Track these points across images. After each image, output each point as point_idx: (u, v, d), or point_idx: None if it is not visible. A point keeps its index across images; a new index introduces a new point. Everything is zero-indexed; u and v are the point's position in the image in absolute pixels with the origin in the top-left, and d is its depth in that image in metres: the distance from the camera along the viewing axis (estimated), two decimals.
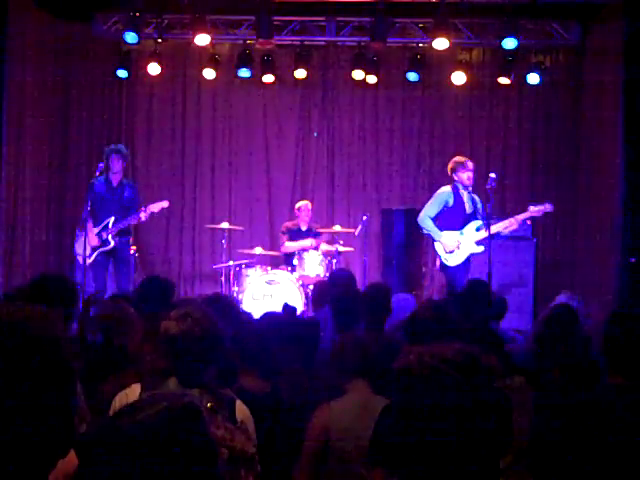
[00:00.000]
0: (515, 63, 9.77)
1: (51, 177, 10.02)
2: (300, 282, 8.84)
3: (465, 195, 7.81)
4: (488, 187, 7.65)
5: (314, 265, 9.08)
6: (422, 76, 10.14)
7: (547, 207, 7.69)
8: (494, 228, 7.59)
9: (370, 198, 10.85)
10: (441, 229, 7.78)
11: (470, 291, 5.78)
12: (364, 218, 9.49)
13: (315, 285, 6.80)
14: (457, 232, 7.76)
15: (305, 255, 9.10)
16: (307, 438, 3.41)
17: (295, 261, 9.11)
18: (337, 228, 9.51)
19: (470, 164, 7.84)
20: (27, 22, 9.28)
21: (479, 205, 7.84)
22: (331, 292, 5.68)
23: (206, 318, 3.06)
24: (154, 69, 9.93)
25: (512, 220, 7.75)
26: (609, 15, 9.25)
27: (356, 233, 9.47)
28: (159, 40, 9.93)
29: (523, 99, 10.61)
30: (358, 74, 10.09)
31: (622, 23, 8.81)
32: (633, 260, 8.60)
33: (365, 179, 10.93)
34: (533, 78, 9.83)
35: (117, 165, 8.26)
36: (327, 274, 8.78)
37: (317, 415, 3.45)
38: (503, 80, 9.92)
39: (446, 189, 7.85)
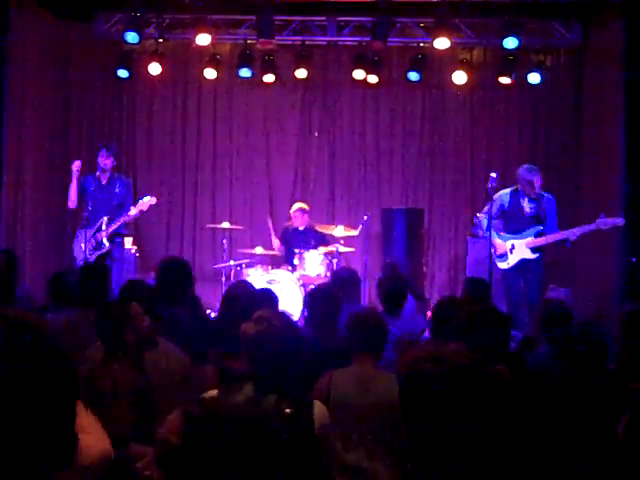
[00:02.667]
0: (516, 62, 9.76)
1: (51, 177, 10.00)
2: (301, 282, 8.84)
3: (526, 200, 7.75)
4: (489, 186, 7.65)
5: (315, 265, 9.07)
6: (423, 76, 10.12)
7: (618, 221, 7.41)
8: (555, 236, 7.57)
9: (371, 198, 10.85)
10: (504, 231, 7.79)
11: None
12: (365, 218, 9.50)
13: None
14: (513, 236, 7.75)
15: (306, 255, 9.10)
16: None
17: (296, 261, 9.11)
18: (339, 229, 9.45)
19: (536, 172, 7.79)
20: (28, 22, 9.27)
21: (542, 210, 7.75)
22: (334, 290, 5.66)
23: (285, 324, 3.03)
24: (155, 69, 9.93)
25: (577, 229, 7.55)
26: (610, 14, 9.24)
27: (357, 233, 9.47)
28: (160, 40, 9.94)
29: (524, 98, 10.61)
30: (359, 74, 10.09)
31: (623, 22, 8.81)
32: (634, 260, 8.61)
33: (366, 179, 10.93)
34: (534, 77, 9.82)
35: (105, 162, 8.13)
36: (328, 274, 8.79)
37: (319, 382, 3.59)
38: (504, 80, 9.91)
39: (503, 191, 7.86)
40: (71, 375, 1.58)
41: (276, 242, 9.70)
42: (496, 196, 7.79)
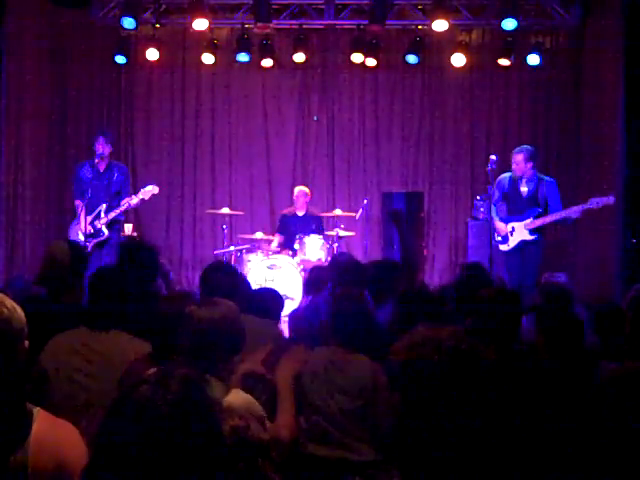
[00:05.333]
0: (515, 44, 9.71)
1: (50, 165, 9.99)
2: (301, 266, 8.84)
3: (523, 182, 7.78)
4: (489, 169, 7.65)
5: (315, 249, 9.08)
6: (422, 58, 10.09)
7: (610, 199, 7.40)
8: (552, 217, 7.56)
9: (371, 181, 10.83)
10: (506, 214, 7.81)
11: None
12: (365, 202, 9.49)
13: (312, 269, 6.54)
14: (513, 218, 7.76)
15: (306, 239, 9.10)
16: (282, 377, 3.43)
17: (296, 245, 9.11)
18: (338, 212, 9.50)
19: (514, 154, 7.84)
20: (25, 8, 9.22)
21: (542, 193, 7.74)
22: (332, 276, 5.64)
23: (231, 310, 2.99)
24: (153, 55, 9.89)
25: (573, 209, 7.52)
26: None
27: (357, 217, 9.47)
28: (157, 25, 9.88)
29: (523, 80, 10.56)
30: (357, 57, 10.03)
31: (622, 2, 8.75)
32: (634, 241, 8.61)
33: (365, 162, 10.91)
34: (533, 59, 9.78)
35: (104, 149, 8.04)
36: (328, 258, 8.79)
37: (293, 352, 3.57)
38: (503, 61, 9.87)
39: (504, 175, 7.90)
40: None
41: (275, 241, 9.62)
42: (497, 180, 7.84)
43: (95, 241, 7.97)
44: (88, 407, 3.22)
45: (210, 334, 2.89)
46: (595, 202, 7.43)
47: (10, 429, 1.80)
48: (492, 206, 7.89)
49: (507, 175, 7.92)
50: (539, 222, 7.63)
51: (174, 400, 1.53)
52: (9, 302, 1.89)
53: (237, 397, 2.89)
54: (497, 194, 7.88)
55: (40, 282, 4.61)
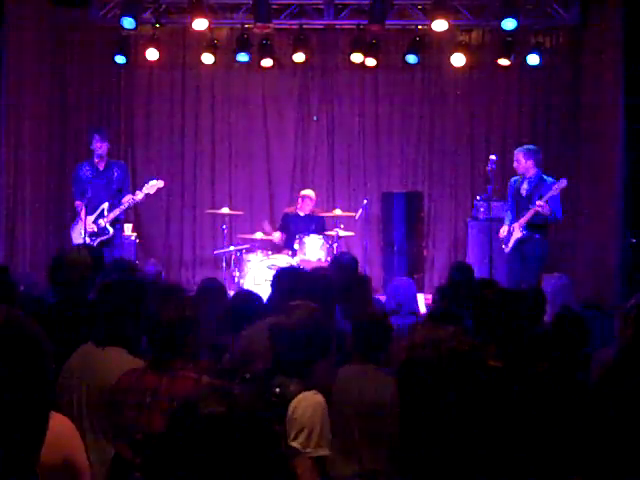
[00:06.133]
0: (515, 44, 9.71)
1: (50, 165, 9.98)
2: (301, 267, 8.83)
3: (525, 183, 7.78)
4: (489, 169, 7.65)
5: (315, 249, 9.07)
6: (421, 58, 10.09)
7: (562, 183, 7.53)
8: (533, 210, 7.59)
9: (371, 181, 10.83)
10: (515, 216, 7.85)
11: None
12: (364, 202, 9.49)
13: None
14: (515, 220, 7.79)
15: (306, 239, 9.10)
16: None
17: (296, 245, 9.10)
18: (338, 212, 9.48)
19: (515, 153, 7.92)
20: (25, 8, 9.22)
21: (536, 190, 7.75)
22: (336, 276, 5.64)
23: (310, 316, 3.17)
24: (152, 54, 9.89)
25: (540, 203, 7.56)
26: None
27: (356, 217, 9.46)
28: (157, 25, 9.87)
29: (523, 80, 10.56)
30: (357, 57, 10.03)
31: (621, 3, 8.76)
32: (634, 241, 8.61)
33: (365, 163, 10.91)
34: (533, 59, 9.78)
35: (101, 147, 7.99)
36: (328, 258, 8.79)
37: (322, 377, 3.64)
38: (503, 61, 9.87)
39: (513, 178, 7.96)
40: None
41: (277, 235, 9.62)
42: (508, 184, 7.97)
43: (100, 240, 7.92)
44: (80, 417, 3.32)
45: (290, 341, 3.11)
46: (555, 188, 7.54)
47: (35, 437, 1.80)
48: (507, 212, 7.93)
49: (515, 178, 7.93)
50: (525, 218, 7.64)
51: (245, 413, 1.57)
52: (24, 316, 1.89)
53: (307, 399, 3.00)
54: (509, 199, 7.93)
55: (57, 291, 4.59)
